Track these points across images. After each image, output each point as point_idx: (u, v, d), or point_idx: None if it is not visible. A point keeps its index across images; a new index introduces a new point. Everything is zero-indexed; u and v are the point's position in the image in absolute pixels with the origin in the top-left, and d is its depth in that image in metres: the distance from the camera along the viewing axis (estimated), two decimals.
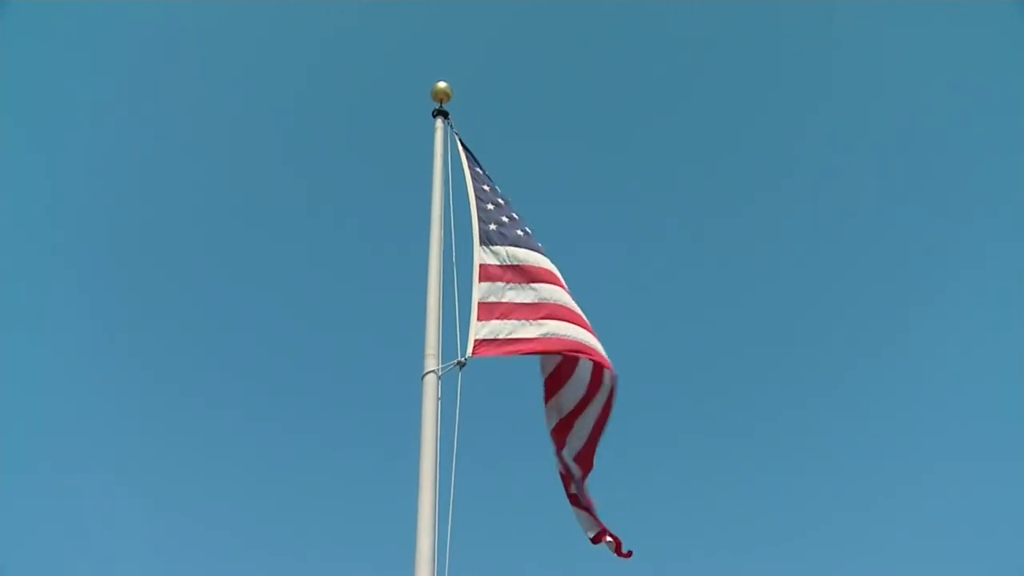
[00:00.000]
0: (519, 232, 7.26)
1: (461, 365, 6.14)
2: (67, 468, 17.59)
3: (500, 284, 6.71)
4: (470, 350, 6.19)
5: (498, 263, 6.87)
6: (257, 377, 20.44)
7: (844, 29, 21.43)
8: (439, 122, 7.75)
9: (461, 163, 7.51)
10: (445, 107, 7.84)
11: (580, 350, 6.66)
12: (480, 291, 6.58)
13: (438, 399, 6.02)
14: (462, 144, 7.70)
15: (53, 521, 16.86)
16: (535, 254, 7.11)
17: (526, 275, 6.87)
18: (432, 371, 6.11)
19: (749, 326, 21.07)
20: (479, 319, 6.40)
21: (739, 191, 23.18)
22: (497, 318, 6.49)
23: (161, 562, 16.79)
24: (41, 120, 19.45)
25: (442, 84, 7.86)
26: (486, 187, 7.53)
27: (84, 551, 16.78)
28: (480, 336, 6.31)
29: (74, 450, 17.90)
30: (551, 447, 7.10)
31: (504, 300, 6.64)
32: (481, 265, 6.77)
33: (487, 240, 6.97)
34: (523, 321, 6.59)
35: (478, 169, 7.70)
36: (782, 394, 20.72)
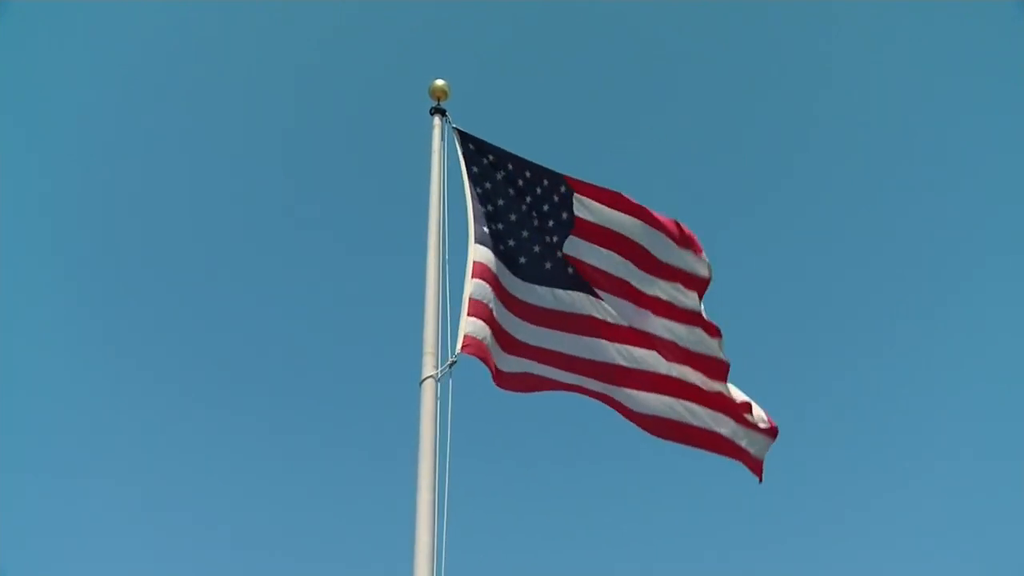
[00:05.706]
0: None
1: (452, 364, 6.10)
2: (67, 468, 17.62)
3: (492, 294, 6.67)
4: (460, 346, 6.13)
5: (493, 270, 6.80)
6: (255, 379, 20.43)
7: (843, 29, 21.40)
8: (436, 120, 7.60)
9: (459, 161, 7.39)
10: (443, 105, 7.72)
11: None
12: (472, 287, 6.47)
13: (436, 403, 5.96)
14: (461, 141, 7.55)
15: (53, 521, 16.86)
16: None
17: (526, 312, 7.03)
18: (431, 376, 6.04)
19: (749, 326, 21.02)
20: (469, 315, 6.31)
21: (739, 191, 23.16)
22: (485, 320, 6.42)
23: (161, 563, 16.80)
24: (41, 120, 19.44)
25: (440, 82, 7.73)
26: (488, 184, 7.35)
27: (84, 551, 16.79)
28: (469, 331, 6.21)
29: (74, 450, 17.92)
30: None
31: (495, 316, 6.64)
32: (475, 262, 6.65)
33: (482, 241, 6.88)
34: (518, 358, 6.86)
35: (485, 161, 7.44)
36: (781, 394, 20.67)
